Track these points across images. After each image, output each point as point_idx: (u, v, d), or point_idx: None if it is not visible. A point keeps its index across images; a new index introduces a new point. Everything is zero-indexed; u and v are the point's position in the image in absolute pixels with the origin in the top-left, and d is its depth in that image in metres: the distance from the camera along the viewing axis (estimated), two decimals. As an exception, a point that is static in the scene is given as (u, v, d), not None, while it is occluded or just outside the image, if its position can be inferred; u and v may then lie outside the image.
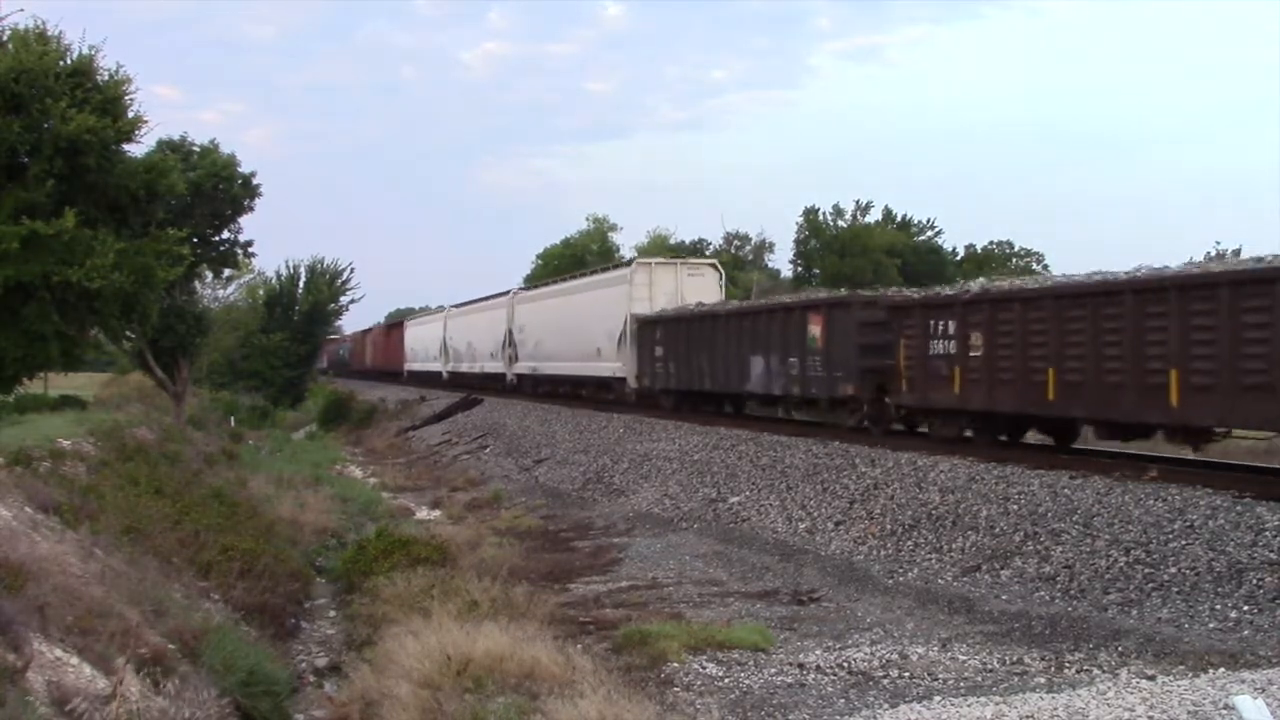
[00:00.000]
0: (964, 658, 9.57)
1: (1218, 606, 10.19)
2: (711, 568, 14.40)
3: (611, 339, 30.20)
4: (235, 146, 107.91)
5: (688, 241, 63.19)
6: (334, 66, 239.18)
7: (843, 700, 8.53)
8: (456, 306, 53.20)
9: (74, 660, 7.30)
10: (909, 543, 14.07)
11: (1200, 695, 7.56)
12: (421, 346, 58.94)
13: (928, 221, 67.71)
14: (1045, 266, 63.45)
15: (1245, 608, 10.01)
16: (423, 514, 21.72)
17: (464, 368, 49.20)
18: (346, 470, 30.48)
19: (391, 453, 35.65)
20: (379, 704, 9.15)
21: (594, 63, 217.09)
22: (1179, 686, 7.91)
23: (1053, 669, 9.12)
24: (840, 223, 65.91)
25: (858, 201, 67.36)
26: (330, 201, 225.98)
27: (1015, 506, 13.67)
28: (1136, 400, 13.89)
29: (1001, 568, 12.49)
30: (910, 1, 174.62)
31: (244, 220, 32.84)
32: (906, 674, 9.16)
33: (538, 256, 67.89)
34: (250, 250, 34.51)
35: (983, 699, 8.05)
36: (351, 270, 55.78)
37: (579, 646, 10.12)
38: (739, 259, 61.93)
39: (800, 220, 66.20)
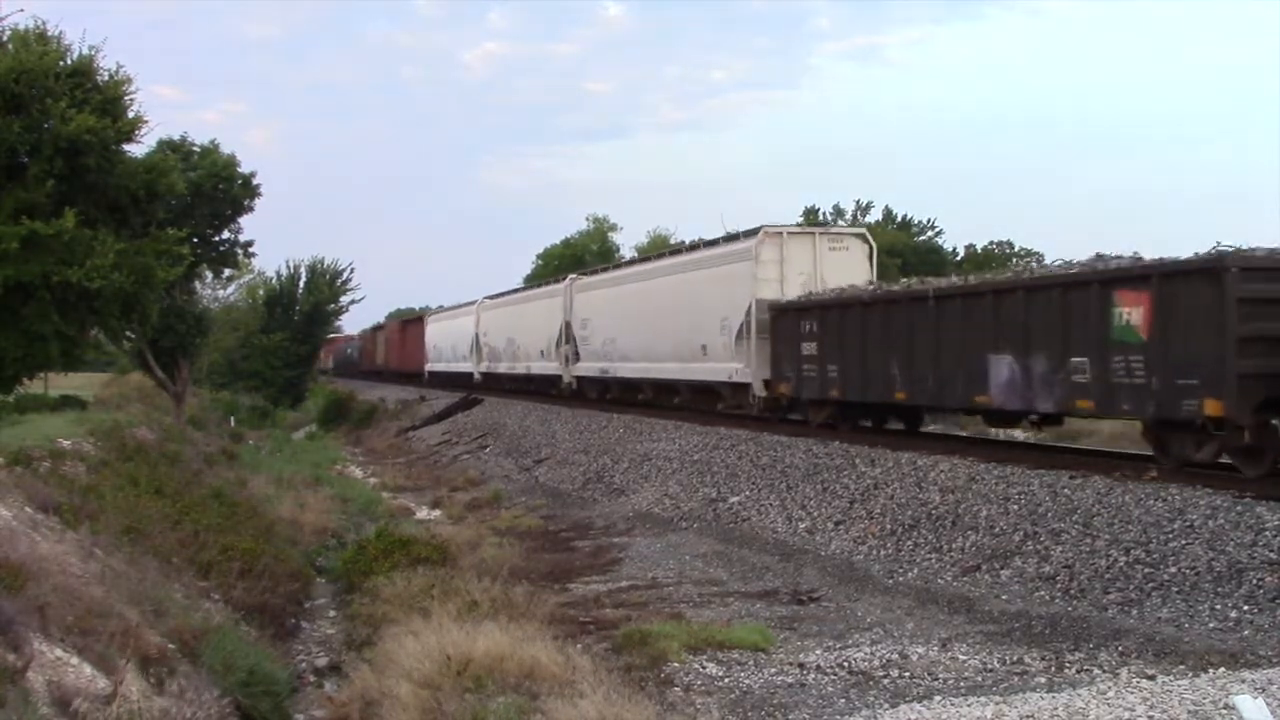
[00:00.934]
0: (964, 657, 9.57)
1: (1218, 606, 10.18)
2: (711, 567, 14.41)
3: (725, 332, 23.57)
4: (235, 146, 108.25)
5: (687, 243, 63.10)
6: (334, 66, 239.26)
7: (843, 700, 8.53)
8: (491, 297, 46.93)
9: (74, 660, 7.30)
10: (909, 543, 14.07)
11: (1200, 695, 7.57)
12: (447, 344, 52.08)
13: (928, 221, 67.69)
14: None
15: (1245, 607, 10.01)
16: (423, 514, 21.72)
17: (503, 368, 42.70)
18: (346, 470, 30.49)
19: (391, 453, 35.67)
20: (379, 704, 9.15)
21: (594, 63, 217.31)
22: (1179, 686, 7.91)
23: (1053, 669, 9.12)
24: (840, 223, 65.96)
25: (858, 201, 67.44)
26: (330, 201, 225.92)
27: (1015, 506, 13.67)
28: None
29: (1001, 567, 12.49)
30: (910, 2, 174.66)
31: (244, 220, 32.93)
32: (906, 674, 9.16)
33: (538, 256, 67.98)
34: (250, 250, 34.61)
35: (983, 699, 8.06)
36: (351, 270, 56.01)
37: (579, 646, 10.12)
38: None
39: (800, 220, 66.26)
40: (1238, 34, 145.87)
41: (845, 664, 9.51)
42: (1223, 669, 8.48)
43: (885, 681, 8.98)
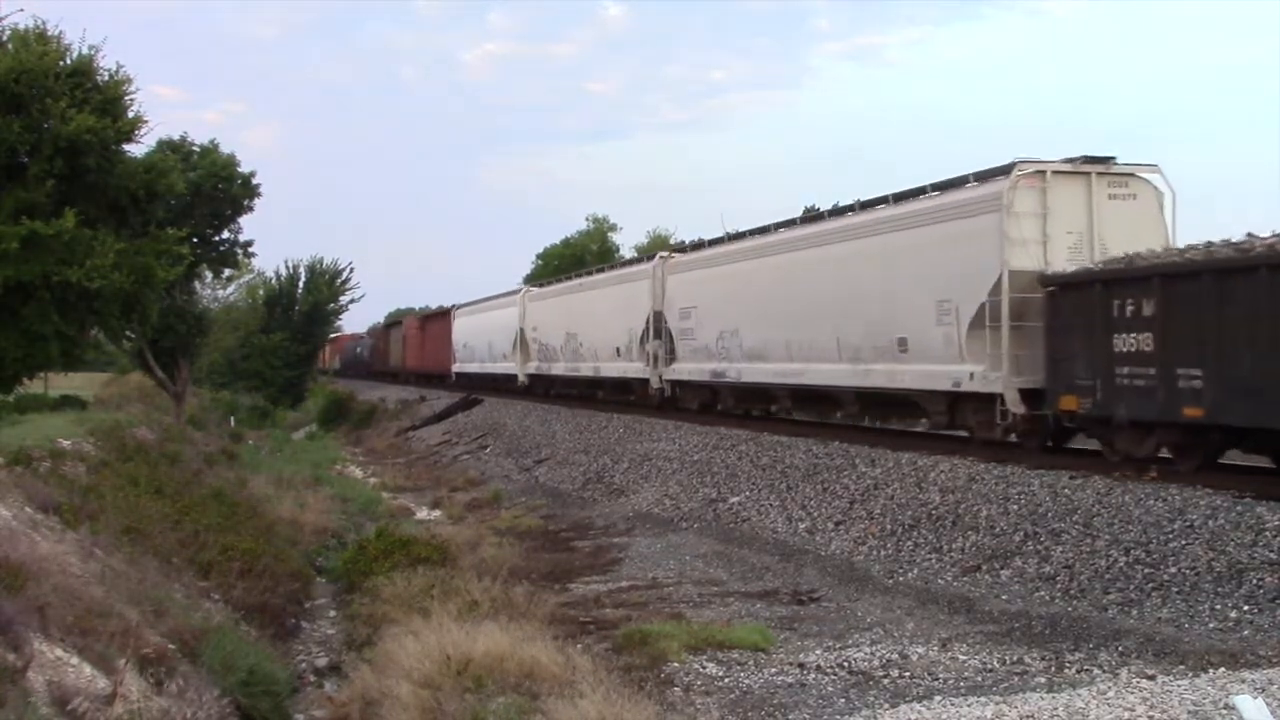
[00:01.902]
0: (964, 657, 9.57)
1: (1218, 606, 10.18)
2: (711, 568, 14.41)
3: (951, 319, 16.78)
4: (235, 146, 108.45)
5: (687, 242, 63.04)
6: (334, 66, 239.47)
7: (843, 700, 8.53)
8: (538, 286, 41.34)
9: (74, 660, 7.31)
10: (909, 543, 14.07)
11: (1200, 695, 7.57)
12: (481, 341, 44.91)
13: (929, 221, 67.45)
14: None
15: (1245, 607, 10.01)
16: (423, 514, 21.74)
17: (559, 370, 36.14)
18: (346, 470, 30.49)
19: (391, 453, 35.69)
20: (379, 704, 9.16)
21: (595, 63, 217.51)
22: (1179, 686, 7.91)
23: (1053, 669, 9.11)
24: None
25: (858, 201, 67.25)
26: (330, 201, 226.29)
27: (1015, 506, 13.66)
28: None
29: (1001, 568, 12.49)
30: (910, 2, 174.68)
31: (244, 220, 33.05)
32: (906, 674, 9.15)
33: (538, 256, 67.85)
34: (250, 250, 34.72)
35: (983, 699, 8.06)
36: (351, 270, 56.12)
37: (579, 646, 10.11)
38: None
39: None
40: (1239, 34, 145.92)
41: (845, 664, 9.50)
42: (1223, 669, 8.47)
43: (885, 681, 8.98)
